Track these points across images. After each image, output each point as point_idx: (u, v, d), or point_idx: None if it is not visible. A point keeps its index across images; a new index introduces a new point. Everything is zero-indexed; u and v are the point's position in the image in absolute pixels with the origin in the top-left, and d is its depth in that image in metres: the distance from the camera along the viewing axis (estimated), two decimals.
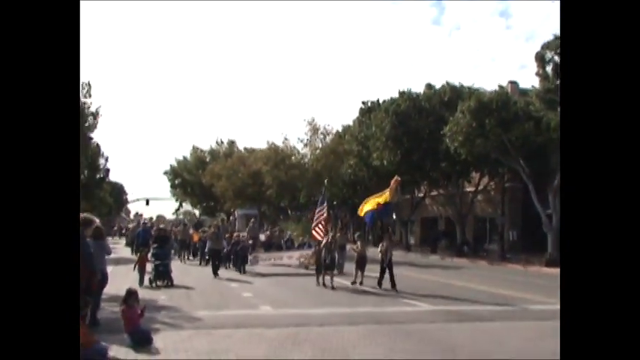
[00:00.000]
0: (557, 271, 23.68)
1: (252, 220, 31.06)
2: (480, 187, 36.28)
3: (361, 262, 16.61)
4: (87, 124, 32.35)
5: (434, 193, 41.04)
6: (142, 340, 8.19)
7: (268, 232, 27.36)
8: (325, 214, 19.46)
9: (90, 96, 31.83)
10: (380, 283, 15.80)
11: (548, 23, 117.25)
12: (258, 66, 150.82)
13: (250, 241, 22.87)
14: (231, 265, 22.06)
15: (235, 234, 24.11)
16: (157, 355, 7.66)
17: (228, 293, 14.96)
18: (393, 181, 17.44)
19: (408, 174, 35.97)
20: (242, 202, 55.63)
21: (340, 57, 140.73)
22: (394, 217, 44.45)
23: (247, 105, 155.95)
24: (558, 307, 12.25)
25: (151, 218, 46.84)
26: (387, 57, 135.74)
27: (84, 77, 34.65)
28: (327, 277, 16.22)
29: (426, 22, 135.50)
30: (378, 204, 17.17)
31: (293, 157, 47.50)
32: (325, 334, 9.19)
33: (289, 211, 58.59)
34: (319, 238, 18.50)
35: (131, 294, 8.90)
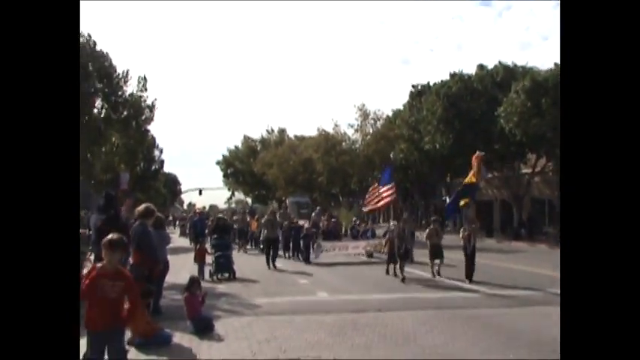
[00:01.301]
0: None
1: (318, 208, 29.44)
2: (537, 169, 35.30)
3: (437, 251, 15.07)
4: (143, 117, 33.16)
5: (489, 175, 40.12)
6: (204, 327, 8.43)
7: (325, 220, 25.65)
8: (394, 195, 18.33)
9: (146, 90, 32.57)
10: (466, 275, 13.89)
11: None
12: (308, 53, 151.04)
13: (313, 230, 21.25)
14: (290, 255, 21.06)
15: (294, 221, 22.85)
16: (220, 341, 7.86)
17: (294, 286, 13.93)
18: (474, 159, 14.96)
19: (461, 157, 35.31)
20: (293, 189, 56.08)
21: (390, 40, 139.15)
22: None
23: (297, 92, 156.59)
24: None
25: (204, 207, 47.91)
26: (437, 39, 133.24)
27: (140, 71, 35.33)
28: (396, 267, 15.04)
29: (474, 2, 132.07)
30: (464, 185, 15.22)
31: (344, 143, 47.45)
32: (385, 319, 9.22)
33: (341, 198, 58.69)
34: (376, 210, 17.97)
35: (194, 282, 9.15)
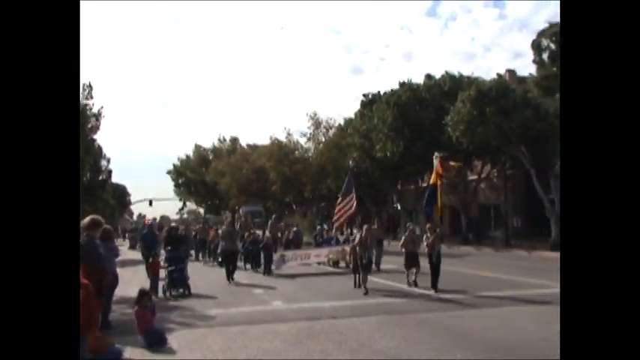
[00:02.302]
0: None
1: (274, 216, 29.08)
2: (483, 175, 36.40)
3: (413, 259, 14.36)
4: (89, 126, 32.41)
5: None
6: (156, 340, 8.30)
7: (285, 229, 25.28)
8: (355, 205, 17.69)
9: (92, 97, 31.90)
10: (431, 285, 13.28)
11: (540, 11, 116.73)
12: (259, 62, 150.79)
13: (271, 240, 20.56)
14: (249, 267, 20.28)
15: (252, 231, 22.02)
16: (173, 354, 7.79)
17: (249, 297, 13.60)
18: (436, 159, 15.11)
19: (411, 165, 36.17)
20: (246, 198, 55.83)
21: (341, 50, 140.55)
22: (399, 206, 44.61)
23: (249, 101, 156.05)
24: None
25: (155, 219, 46.99)
26: (386, 49, 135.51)
27: (85, 79, 34.62)
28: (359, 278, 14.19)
29: (421, 13, 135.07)
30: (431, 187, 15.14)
31: (296, 152, 47.69)
32: (339, 326, 9.36)
33: (294, 206, 58.77)
34: (342, 230, 17.65)
35: (144, 294, 9.01)
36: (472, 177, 37.47)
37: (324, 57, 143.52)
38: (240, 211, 58.19)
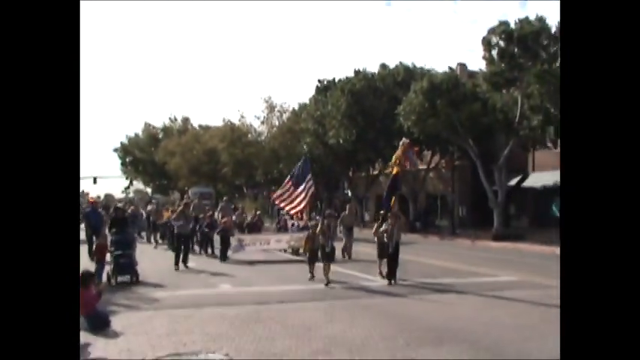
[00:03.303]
0: (502, 245, 24.78)
1: (225, 198, 27.94)
2: (432, 165, 37.17)
3: (385, 249, 13.16)
4: None
5: (388, 171, 41.70)
6: (99, 323, 8.12)
7: (239, 213, 24.26)
8: (313, 189, 16.75)
9: None
10: (389, 276, 12.70)
11: (491, 8, 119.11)
12: (215, 41, 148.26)
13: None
14: (201, 251, 19.62)
15: (209, 214, 20.87)
16: (116, 337, 7.69)
17: (203, 286, 12.88)
18: (401, 146, 14.10)
19: (363, 152, 36.55)
20: (197, 180, 55.21)
21: (297, 34, 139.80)
22: (347, 193, 45.05)
23: (202, 81, 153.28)
24: (504, 278, 12.95)
25: (98, 197, 45.80)
26: (343, 35, 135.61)
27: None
28: (315, 268, 13.18)
29: (380, 1, 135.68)
30: (394, 176, 14.09)
31: (249, 135, 47.41)
32: (287, 311, 9.50)
33: (245, 189, 58.52)
34: (302, 217, 16.65)
35: (87, 276, 8.81)
36: (421, 167, 38.23)
37: (282, 41, 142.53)
38: (190, 192, 57.46)
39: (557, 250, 21.93)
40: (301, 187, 17.56)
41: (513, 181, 33.23)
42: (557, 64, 25.68)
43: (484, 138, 29.64)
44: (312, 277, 13.10)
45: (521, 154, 32.61)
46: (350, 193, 44.37)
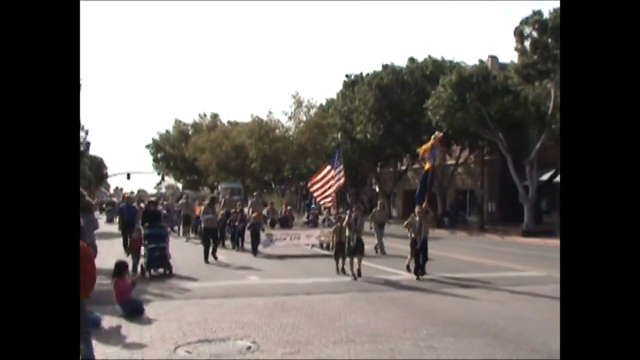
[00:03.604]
0: (532, 240, 24.51)
1: (255, 193, 27.86)
2: (461, 160, 36.89)
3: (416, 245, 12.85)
4: None
5: (416, 166, 41.60)
6: (133, 310, 8.58)
7: (270, 208, 24.22)
8: (342, 180, 16.46)
9: None
10: (416, 271, 12.60)
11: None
12: (243, 39, 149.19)
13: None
14: (234, 246, 19.71)
15: (239, 209, 21.16)
16: (150, 323, 8.05)
17: (226, 271, 14.15)
18: (433, 139, 13.85)
19: (391, 147, 36.53)
20: (225, 175, 55.82)
21: (325, 30, 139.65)
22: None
23: (231, 78, 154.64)
24: (531, 274, 12.86)
25: (132, 192, 46.78)
26: (370, 29, 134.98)
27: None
28: (344, 263, 13.15)
29: None
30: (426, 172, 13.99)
31: (277, 131, 47.68)
32: (312, 302, 9.69)
33: (273, 185, 58.96)
34: (331, 206, 16.36)
35: (121, 266, 9.22)
36: (450, 162, 37.98)
37: (309, 36, 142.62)
38: (219, 187, 58.18)
39: None
40: (331, 175, 17.48)
41: (545, 176, 32.77)
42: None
43: (515, 132, 29.31)
44: (339, 271, 13.06)
45: (554, 149, 31.98)
46: (377, 189, 44.37)
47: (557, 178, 32.82)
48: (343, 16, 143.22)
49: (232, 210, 21.18)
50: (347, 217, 13.34)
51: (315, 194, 19.62)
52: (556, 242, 23.67)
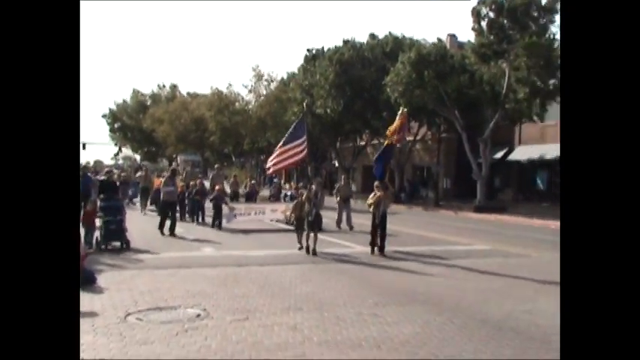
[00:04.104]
0: (484, 216, 25.32)
1: (217, 166, 27.02)
2: (418, 137, 37.51)
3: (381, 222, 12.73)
4: None
5: (375, 141, 42.09)
6: (85, 280, 8.50)
7: (233, 181, 24.08)
8: (305, 151, 15.76)
9: None
10: (373, 247, 12.60)
11: None
12: (203, 9, 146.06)
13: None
14: (192, 219, 19.21)
15: (199, 182, 20.48)
16: (101, 293, 8.12)
17: (179, 243, 14.72)
18: (399, 117, 13.79)
19: (350, 123, 36.81)
20: (184, 147, 55.35)
21: (287, 3, 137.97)
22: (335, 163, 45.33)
23: (191, 49, 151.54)
24: (479, 247, 13.35)
25: (88, 163, 45.81)
26: (332, 4, 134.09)
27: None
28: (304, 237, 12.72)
29: None
30: (388, 146, 14.00)
31: (237, 104, 47.41)
32: (265, 273, 9.93)
33: (233, 158, 58.72)
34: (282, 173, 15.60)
35: None
36: (408, 138, 38.51)
37: (271, 9, 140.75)
38: (178, 159, 57.60)
39: (536, 221, 22.54)
40: (294, 144, 16.49)
41: (499, 154, 33.67)
42: (547, 36, 25.91)
43: (471, 110, 29.93)
44: (301, 246, 12.79)
45: (508, 128, 32.97)
46: (337, 164, 44.74)
47: (510, 156, 33.84)
48: None
49: (192, 182, 20.65)
50: (307, 192, 13.13)
51: (276, 168, 18.44)
52: (507, 218, 24.56)
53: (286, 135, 17.85)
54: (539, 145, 31.87)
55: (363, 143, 43.15)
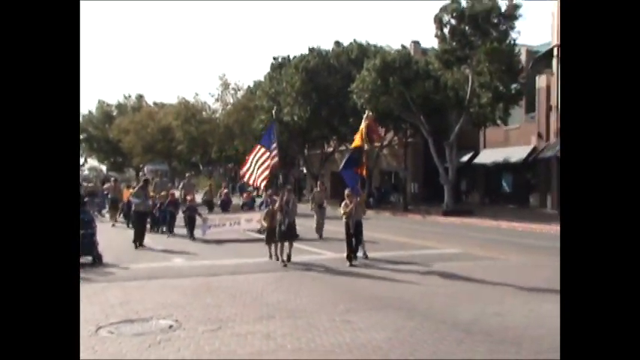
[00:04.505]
0: (451, 220, 25.69)
1: (187, 175, 25.93)
2: (385, 142, 37.90)
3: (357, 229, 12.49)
4: None
5: (342, 148, 42.34)
6: None
7: (208, 190, 24.00)
8: (277, 158, 14.84)
9: None
10: (350, 257, 12.13)
11: None
12: (169, 18, 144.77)
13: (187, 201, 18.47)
14: (165, 230, 18.60)
15: (171, 192, 20.01)
16: None
17: (149, 254, 14.80)
18: (365, 120, 13.44)
19: (318, 129, 37.00)
20: (151, 157, 54.75)
21: (253, 11, 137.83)
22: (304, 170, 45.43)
23: (157, 59, 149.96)
24: (448, 251, 13.51)
25: None
26: (298, 13, 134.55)
27: None
28: (277, 248, 12.39)
29: None
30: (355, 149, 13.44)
31: (204, 113, 47.18)
32: (237, 282, 9.94)
33: (201, 166, 58.31)
34: (262, 185, 14.98)
35: None
36: (375, 144, 38.90)
37: (236, 17, 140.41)
38: (145, 169, 56.86)
39: (502, 224, 22.98)
40: (266, 155, 15.35)
41: (465, 158, 34.26)
42: (507, 42, 26.57)
43: (436, 115, 30.42)
44: (271, 257, 12.52)
45: (473, 132, 33.60)
46: (305, 170, 44.85)
47: (476, 160, 34.48)
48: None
49: (162, 193, 19.91)
50: (279, 200, 12.61)
51: (247, 178, 16.84)
52: (474, 221, 24.98)
53: (258, 143, 16.99)
54: (503, 148, 32.60)
55: (330, 150, 43.37)
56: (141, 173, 59.66)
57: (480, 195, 35.80)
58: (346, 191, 12.82)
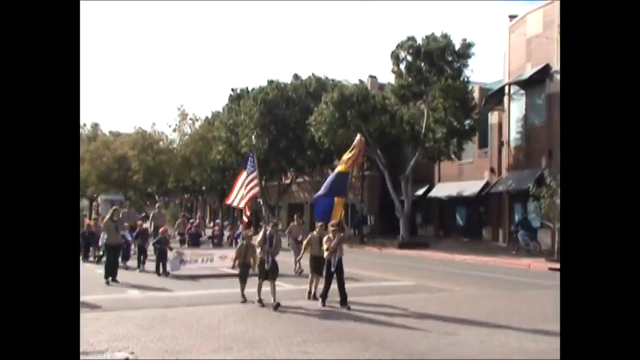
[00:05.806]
0: (407, 252, 26.07)
1: (158, 205, 24.79)
2: None
3: (318, 264, 11.38)
4: None
5: (300, 179, 42.62)
6: None
7: (181, 222, 22.77)
8: (257, 188, 13.67)
9: None
10: (324, 295, 11.05)
11: (402, 23, 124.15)
12: (126, 47, 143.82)
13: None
14: (130, 265, 17.13)
15: (140, 224, 18.83)
16: None
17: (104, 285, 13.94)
18: (356, 142, 12.34)
19: (275, 161, 37.19)
20: (106, 186, 53.58)
21: (211, 43, 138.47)
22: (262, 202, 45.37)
23: (113, 88, 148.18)
24: (403, 283, 13.66)
25: None
26: (257, 45, 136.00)
27: None
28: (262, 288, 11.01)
29: (294, 14, 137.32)
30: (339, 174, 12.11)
31: (161, 143, 46.71)
32: (193, 313, 9.88)
33: (157, 197, 57.46)
34: (246, 214, 13.66)
35: None
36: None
37: (195, 49, 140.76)
38: (99, 199, 55.71)
39: (457, 256, 23.46)
40: (250, 177, 14.10)
41: (420, 191, 34.98)
42: (461, 79, 27.62)
43: (392, 149, 31.12)
44: (245, 299, 11.15)
45: (428, 165, 34.42)
46: (262, 202, 44.77)
47: (431, 193, 35.25)
48: (230, 30, 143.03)
49: (125, 224, 17.27)
50: (261, 235, 11.25)
51: (231, 200, 15.20)
52: (429, 253, 25.39)
53: (242, 168, 15.17)
54: (457, 182, 33.49)
55: (288, 182, 43.57)
56: (94, 203, 58.40)
57: (434, 228, 36.47)
58: (330, 223, 11.20)
